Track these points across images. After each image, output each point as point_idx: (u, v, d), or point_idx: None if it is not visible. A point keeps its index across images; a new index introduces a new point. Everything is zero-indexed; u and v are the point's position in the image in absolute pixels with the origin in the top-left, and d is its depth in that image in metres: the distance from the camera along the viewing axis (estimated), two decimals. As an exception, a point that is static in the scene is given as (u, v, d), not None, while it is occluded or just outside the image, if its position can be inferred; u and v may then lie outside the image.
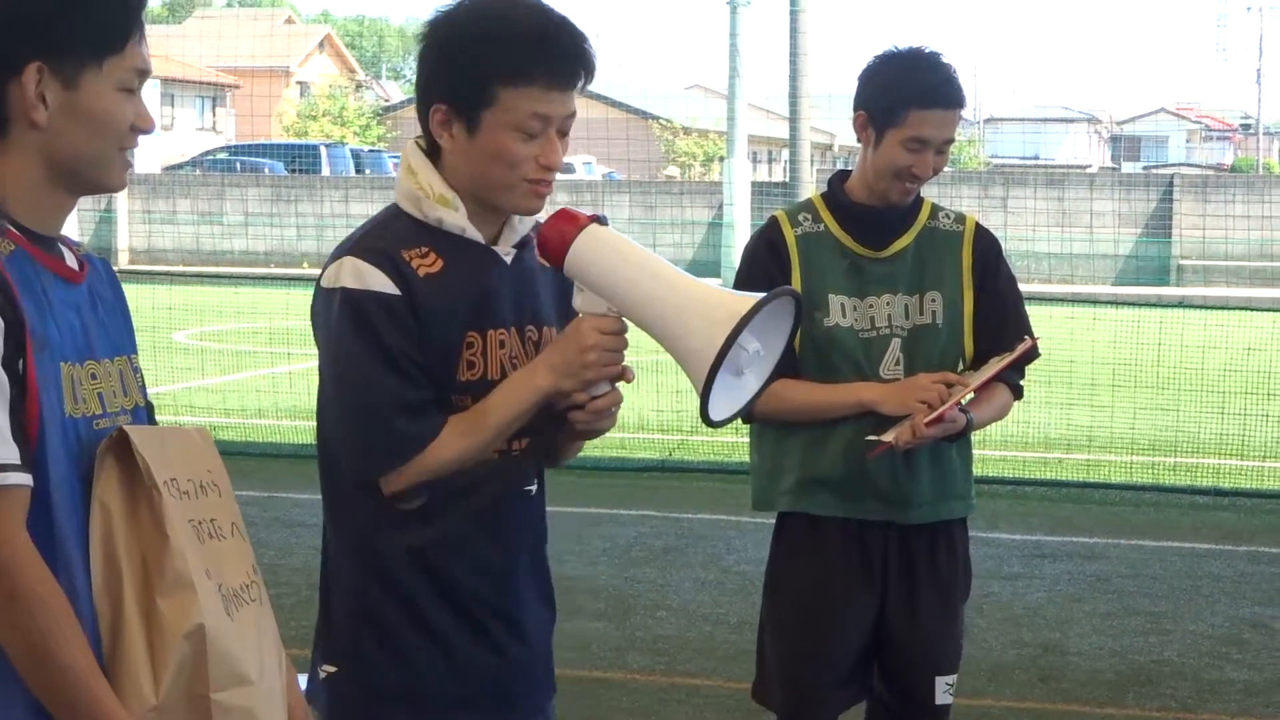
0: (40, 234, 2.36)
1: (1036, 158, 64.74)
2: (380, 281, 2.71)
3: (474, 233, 2.80)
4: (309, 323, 2.86)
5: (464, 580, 2.83)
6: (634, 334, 2.75)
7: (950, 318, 3.99)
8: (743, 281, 3.88)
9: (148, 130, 2.40)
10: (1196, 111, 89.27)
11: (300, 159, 36.53)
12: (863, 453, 3.86)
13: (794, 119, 27.76)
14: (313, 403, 2.91)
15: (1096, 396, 13.05)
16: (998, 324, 4.01)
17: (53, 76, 2.32)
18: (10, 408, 2.22)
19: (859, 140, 3.99)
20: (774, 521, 4.12)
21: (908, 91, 3.87)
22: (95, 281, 2.45)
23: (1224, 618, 7.48)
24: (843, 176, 4.06)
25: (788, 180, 29.08)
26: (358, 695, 2.86)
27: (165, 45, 46.19)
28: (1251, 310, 17.62)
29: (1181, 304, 19.76)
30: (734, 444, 10.86)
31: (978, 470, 4.25)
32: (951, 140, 3.96)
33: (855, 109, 3.97)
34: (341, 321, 2.72)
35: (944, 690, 4.07)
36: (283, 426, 12.17)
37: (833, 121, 37.29)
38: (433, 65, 2.78)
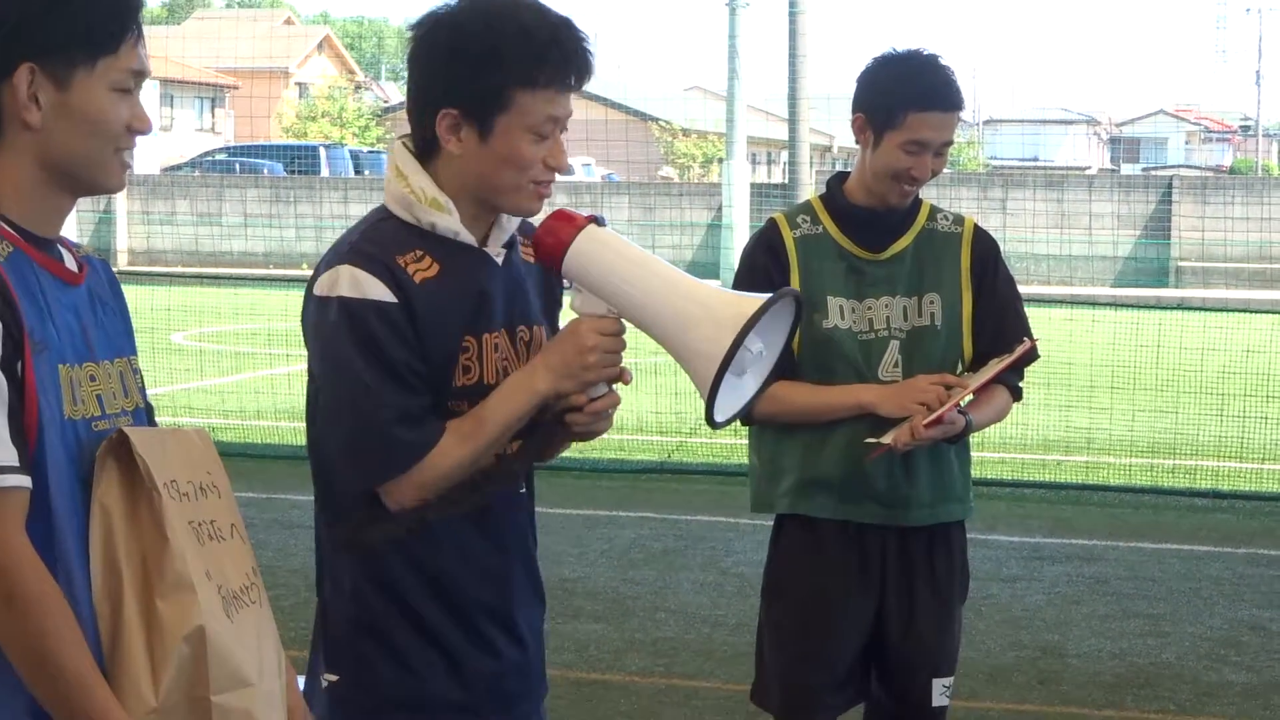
0: (39, 235, 2.36)
1: (1035, 159, 64.69)
2: (378, 290, 2.68)
3: (467, 236, 2.78)
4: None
5: (461, 583, 2.82)
6: (632, 335, 2.75)
7: (949, 319, 3.98)
8: (742, 283, 3.87)
9: (144, 131, 2.39)
10: (1196, 113, 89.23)
11: (299, 160, 36.50)
12: (861, 455, 3.86)
13: (793, 121, 27.78)
14: (312, 404, 2.90)
15: (1095, 398, 13.05)
16: (996, 326, 4.01)
17: (45, 77, 2.31)
18: (9, 410, 2.22)
19: (858, 142, 3.98)
20: (772, 524, 4.12)
21: (906, 94, 3.87)
22: (94, 283, 2.44)
23: (1223, 620, 7.48)
24: (841, 178, 4.06)
25: (787, 182, 29.08)
26: (360, 703, 2.85)
27: (164, 46, 46.11)
28: (1250, 312, 17.64)
29: (1180, 306, 19.79)
30: (733, 446, 10.86)
31: (976, 472, 4.25)
32: (950, 142, 3.96)
33: (854, 111, 3.97)
34: (339, 331, 2.69)
35: (941, 692, 4.07)
36: (281, 428, 12.15)
37: (832, 123, 37.31)
38: (438, 69, 2.73)
